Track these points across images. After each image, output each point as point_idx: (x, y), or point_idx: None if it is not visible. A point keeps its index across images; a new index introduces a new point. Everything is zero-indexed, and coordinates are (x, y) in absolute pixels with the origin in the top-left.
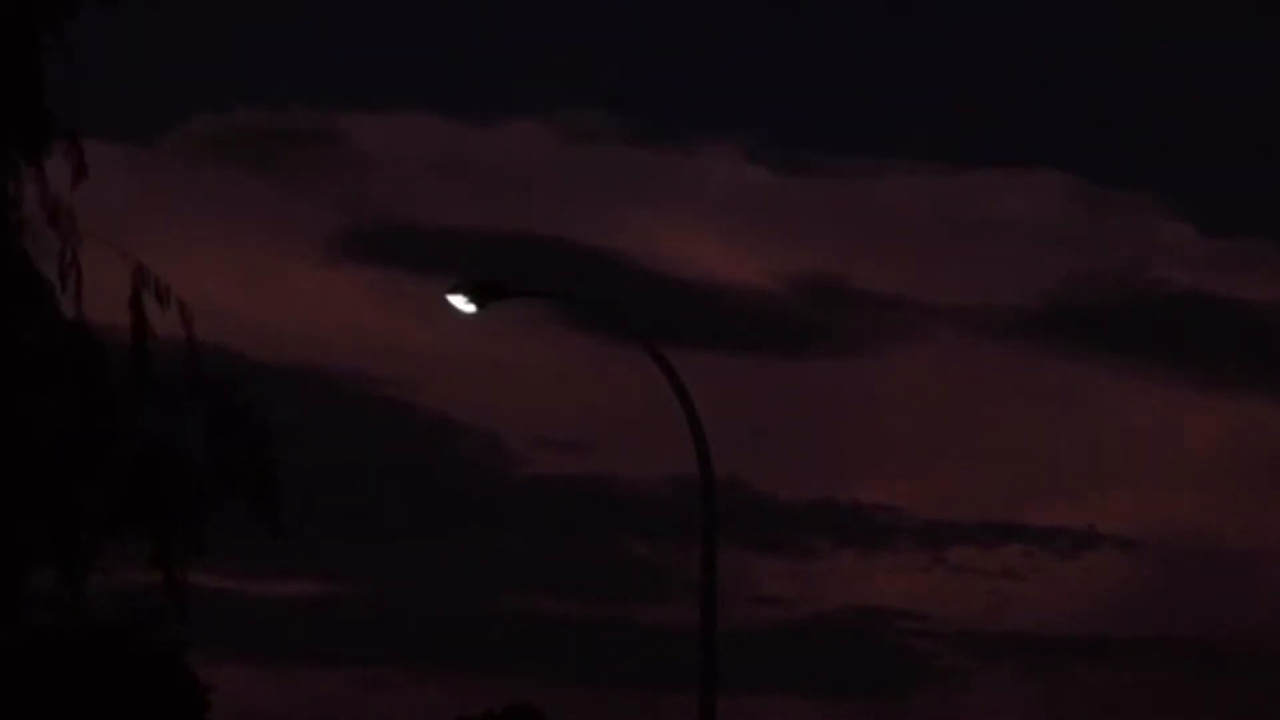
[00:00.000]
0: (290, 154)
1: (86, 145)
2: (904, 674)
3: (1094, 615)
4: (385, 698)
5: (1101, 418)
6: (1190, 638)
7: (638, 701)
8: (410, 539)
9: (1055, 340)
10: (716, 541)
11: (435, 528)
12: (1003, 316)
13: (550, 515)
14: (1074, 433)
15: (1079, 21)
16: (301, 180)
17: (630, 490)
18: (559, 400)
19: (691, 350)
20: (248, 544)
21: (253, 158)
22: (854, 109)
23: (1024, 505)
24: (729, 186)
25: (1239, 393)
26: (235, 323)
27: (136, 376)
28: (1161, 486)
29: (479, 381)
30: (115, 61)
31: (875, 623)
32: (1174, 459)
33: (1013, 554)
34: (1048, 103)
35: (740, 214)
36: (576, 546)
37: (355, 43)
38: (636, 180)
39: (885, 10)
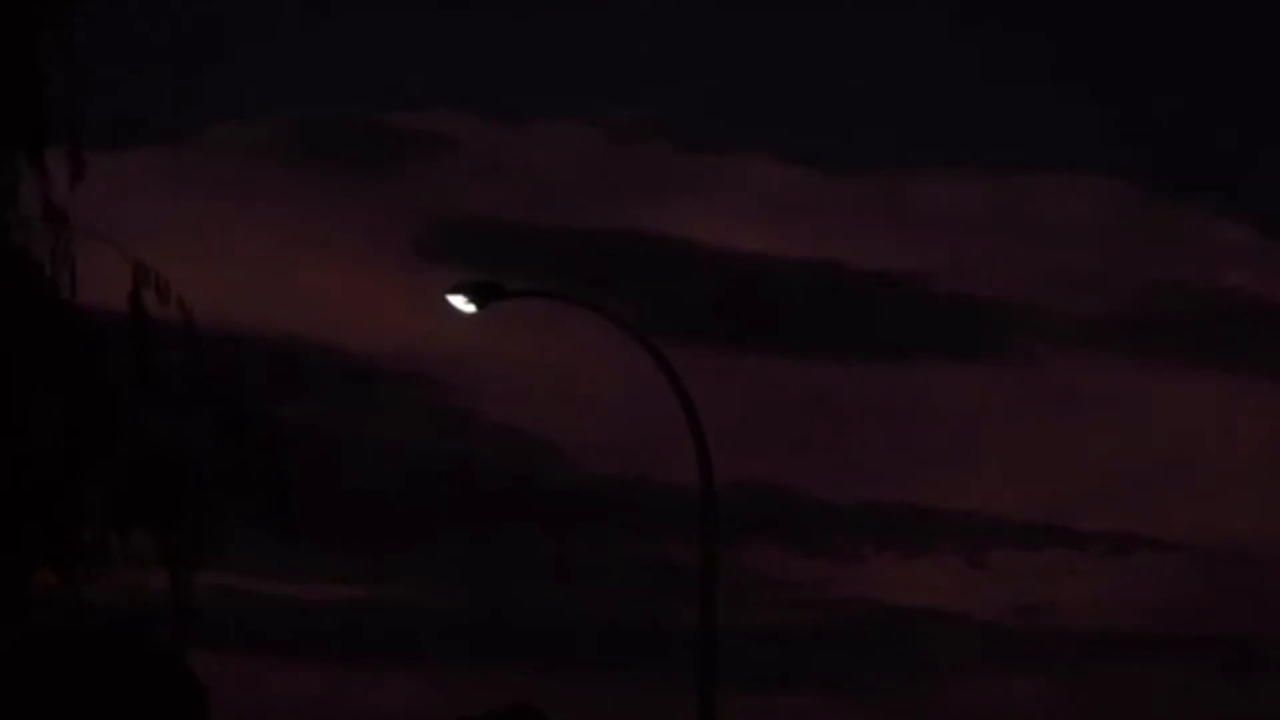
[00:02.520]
0: (347, 156)
1: (142, 150)
2: (940, 674)
3: (1136, 617)
4: (415, 692)
5: (1158, 423)
6: (1235, 639)
7: (671, 699)
8: (455, 542)
9: (1112, 345)
10: (716, 541)
11: (481, 530)
12: (1060, 321)
13: (597, 518)
14: (1128, 438)
15: (1122, 22)
16: (353, 183)
17: (678, 493)
18: (615, 403)
19: (746, 352)
20: (303, 548)
21: (308, 161)
22: (891, 113)
23: (1075, 509)
24: (772, 188)
25: None
26: (294, 327)
27: (138, 373)
28: (1217, 491)
29: (537, 384)
30: (158, 64)
31: (913, 623)
32: (1231, 463)
33: (1055, 557)
34: (1091, 106)
35: (787, 215)
36: (619, 548)
37: (400, 43)
38: (693, 181)
39: (922, 10)
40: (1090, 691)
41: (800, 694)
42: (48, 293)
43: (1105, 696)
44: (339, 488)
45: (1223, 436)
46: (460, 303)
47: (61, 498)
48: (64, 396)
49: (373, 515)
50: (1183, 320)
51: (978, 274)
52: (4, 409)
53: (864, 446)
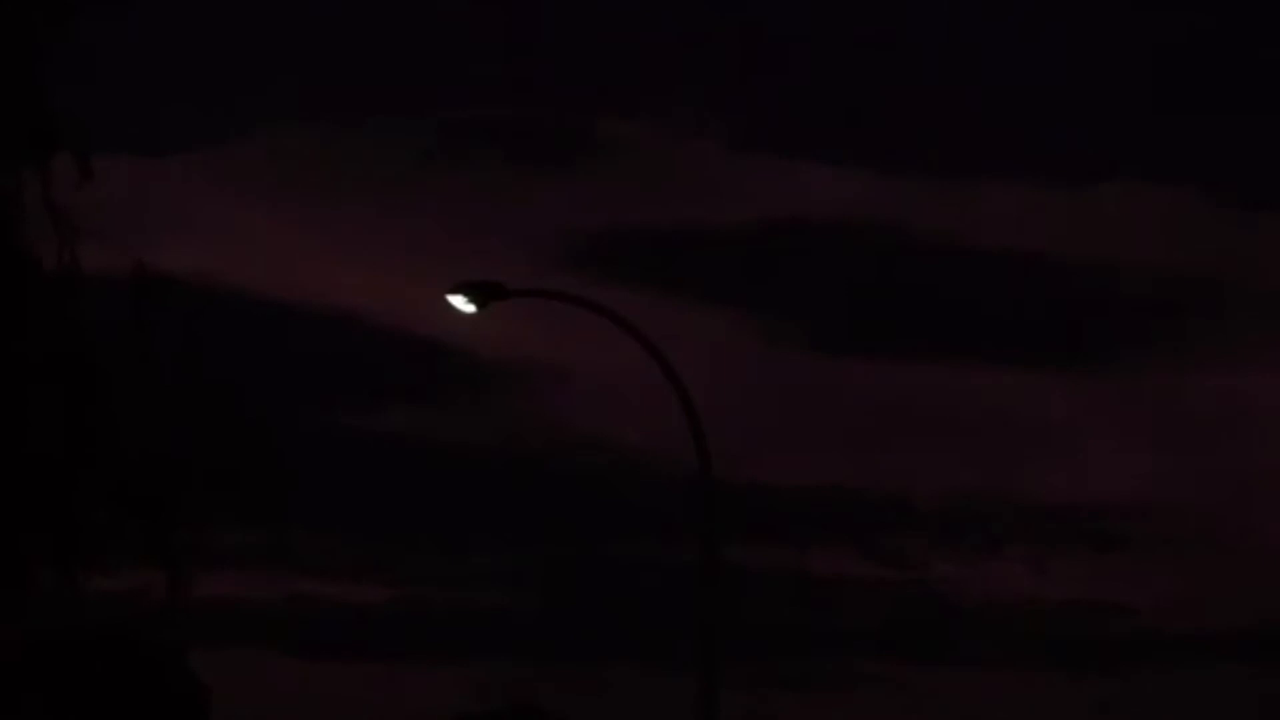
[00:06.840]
0: (491, 158)
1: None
2: (1006, 672)
3: (1202, 619)
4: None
5: (1251, 427)
6: None
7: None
8: (534, 549)
9: (1197, 353)
10: (716, 539)
11: (562, 539)
12: (1148, 328)
13: (676, 523)
14: (1215, 441)
15: (1195, 33)
16: (499, 187)
17: (766, 498)
18: (714, 413)
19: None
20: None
21: (453, 165)
22: (959, 124)
23: (1154, 512)
24: (843, 194)
25: None
26: (427, 330)
27: (137, 373)
28: None
29: (632, 395)
30: (197, 72)
31: (979, 622)
32: None
33: (1125, 560)
34: (1157, 118)
35: (865, 220)
36: (689, 551)
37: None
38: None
39: (996, 23)
40: (1159, 691)
41: (861, 692)
42: (49, 294)
43: (1173, 697)
44: (384, 491)
45: None
46: (460, 303)
47: (61, 498)
48: (64, 398)
49: (420, 515)
50: (1270, 326)
51: (1068, 280)
52: (4, 412)
53: (978, 450)
